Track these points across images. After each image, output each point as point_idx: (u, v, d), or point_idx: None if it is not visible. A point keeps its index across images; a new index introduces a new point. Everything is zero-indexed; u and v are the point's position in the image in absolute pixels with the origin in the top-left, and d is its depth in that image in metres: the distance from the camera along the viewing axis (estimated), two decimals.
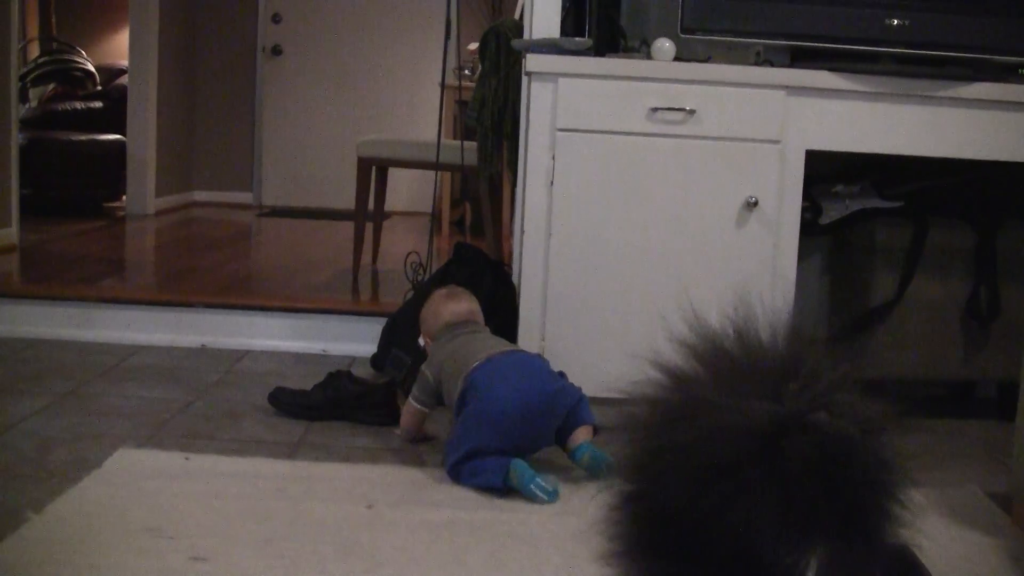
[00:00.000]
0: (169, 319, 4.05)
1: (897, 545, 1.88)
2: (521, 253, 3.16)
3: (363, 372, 3.50)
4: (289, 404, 3.16)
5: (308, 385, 3.22)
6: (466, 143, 4.41)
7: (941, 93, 3.10)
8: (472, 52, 6.64)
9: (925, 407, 3.61)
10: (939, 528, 2.44)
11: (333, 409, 3.13)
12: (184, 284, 4.68)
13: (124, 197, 7.47)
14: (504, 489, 2.53)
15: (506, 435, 2.59)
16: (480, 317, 3.00)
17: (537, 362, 2.80)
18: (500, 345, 2.82)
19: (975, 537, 2.42)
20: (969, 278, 3.36)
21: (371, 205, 5.30)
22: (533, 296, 3.14)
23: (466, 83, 5.72)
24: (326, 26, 8.45)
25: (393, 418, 3.10)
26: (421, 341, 3.14)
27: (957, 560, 2.29)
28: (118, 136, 7.36)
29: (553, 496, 2.51)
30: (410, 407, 2.92)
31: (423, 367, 2.92)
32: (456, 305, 2.98)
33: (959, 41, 3.09)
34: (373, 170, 5.22)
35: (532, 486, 2.50)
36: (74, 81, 7.84)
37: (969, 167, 3.33)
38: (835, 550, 1.08)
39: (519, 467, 2.53)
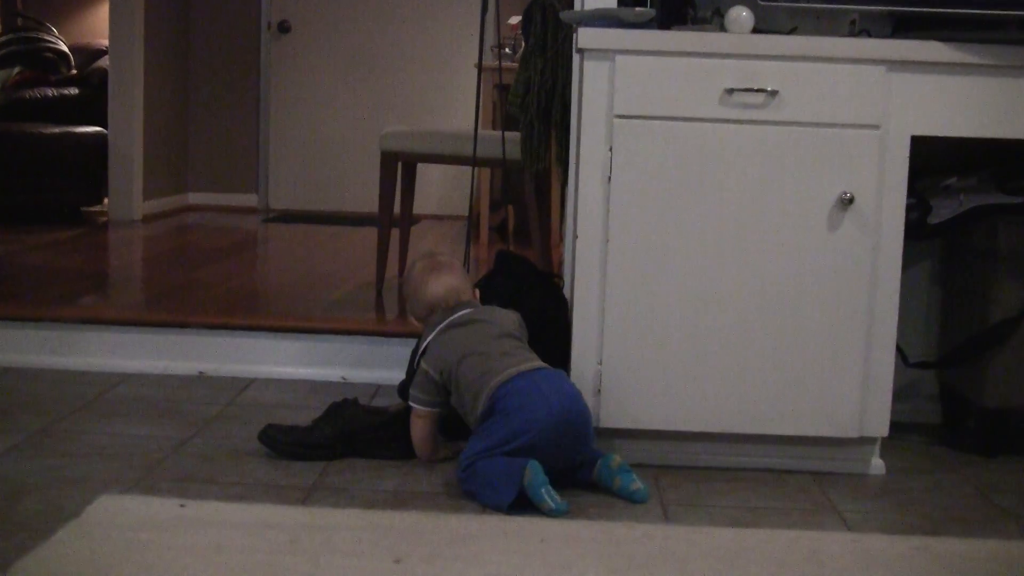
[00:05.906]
0: (161, 343, 4.09)
1: None
2: (573, 262, 3.17)
3: (388, 402, 3.50)
4: (288, 444, 3.12)
5: None
6: (508, 134, 4.43)
7: None
8: (514, 28, 6.68)
9: None
10: None
11: (347, 445, 3.13)
12: (179, 302, 4.72)
13: (106, 200, 7.55)
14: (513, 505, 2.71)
15: (540, 455, 2.77)
16: (467, 292, 3.15)
17: (564, 377, 2.98)
18: (519, 353, 3.00)
19: None
20: None
21: (397, 208, 5.33)
22: (588, 312, 3.14)
23: (507, 64, 5.75)
24: None
25: None
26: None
27: None
28: (98, 128, 7.43)
29: (561, 508, 2.70)
30: (416, 413, 3.05)
31: (421, 363, 3.05)
32: (438, 281, 3.13)
33: None
34: (399, 167, 5.24)
35: (543, 491, 2.68)
36: (45, 64, 7.90)
37: None
38: None
39: (535, 468, 2.71)
